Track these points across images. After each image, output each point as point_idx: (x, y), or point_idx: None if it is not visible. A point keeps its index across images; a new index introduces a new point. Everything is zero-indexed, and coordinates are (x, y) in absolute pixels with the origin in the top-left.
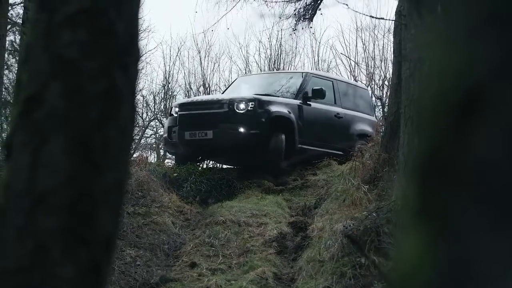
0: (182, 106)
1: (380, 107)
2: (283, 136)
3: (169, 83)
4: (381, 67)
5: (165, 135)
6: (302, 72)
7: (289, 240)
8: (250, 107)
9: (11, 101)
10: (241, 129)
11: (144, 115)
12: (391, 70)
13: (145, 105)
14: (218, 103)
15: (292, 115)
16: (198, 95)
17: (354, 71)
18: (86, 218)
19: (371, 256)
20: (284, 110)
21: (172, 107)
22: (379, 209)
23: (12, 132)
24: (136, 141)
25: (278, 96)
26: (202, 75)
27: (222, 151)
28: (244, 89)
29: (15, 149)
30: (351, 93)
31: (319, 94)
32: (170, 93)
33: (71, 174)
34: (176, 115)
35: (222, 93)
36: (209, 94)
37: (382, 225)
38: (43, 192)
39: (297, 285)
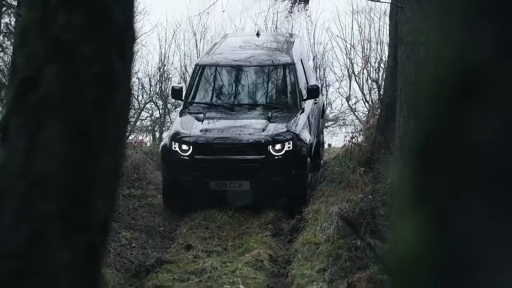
0: (196, 146)
1: (376, 89)
2: (309, 160)
3: (165, 66)
4: (377, 50)
5: (166, 182)
6: (284, 64)
7: (284, 223)
8: (288, 148)
9: (7, 84)
10: (282, 176)
11: (140, 97)
12: (387, 53)
13: (140, 87)
14: (249, 146)
15: (310, 135)
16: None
17: (350, 54)
18: (82, 202)
19: (366, 238)
20: (309, 134)
21: (171, 140)
22: (375, 191)
23: (8, 115)
24: (132, 123)
25: (283, 110)
26: (197, 58)
27: (260, 199)
28: (214, 88)
29: (11, 132)
30: (305, 58)
31: (314, 93)
32: (166, 76)
33: (67, 159)
34: (186, 155)
35: (188, 89)
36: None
37: (378, 207)
38: (39, 176)
39: (293, 267)
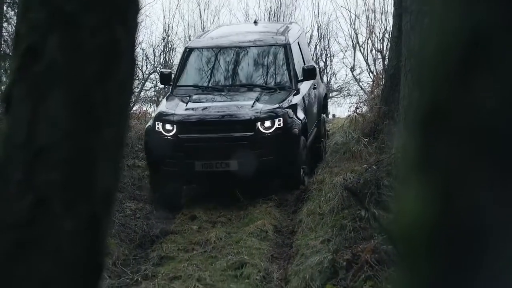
0: (180, 124)
1: (381, 59)
2: (303, 138)
3: (169, 36)
4: (381, 20)
5: (150, 160)
6: (278, 45)
7: (289, 193)
8: (278, 125)
9: (10, 54)
10: (272, 155)
11: (144, 68)
12: (391, 23)
13: (144, 58)
14: (237, 123)
15: (304, 116)
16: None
17: (354, 24)
18: (85, 172)
19: (371, 209)
20: (303, 114)
21: (154, 120)
22: (379, 162)
23: (11, 85)
24: (136, 94)
25: (277, 90)
26: (202, 28)
27: (250, 181)
28: (201, 74)
29: (14, 102)
30: (303, 42)
31: (310, 74)
32: (170, 46)
33: (71, 129)
34: (169, 135)
35: (177, 73)
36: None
37: (382, 178)
38: (42, 145)
39: (297, 238)
